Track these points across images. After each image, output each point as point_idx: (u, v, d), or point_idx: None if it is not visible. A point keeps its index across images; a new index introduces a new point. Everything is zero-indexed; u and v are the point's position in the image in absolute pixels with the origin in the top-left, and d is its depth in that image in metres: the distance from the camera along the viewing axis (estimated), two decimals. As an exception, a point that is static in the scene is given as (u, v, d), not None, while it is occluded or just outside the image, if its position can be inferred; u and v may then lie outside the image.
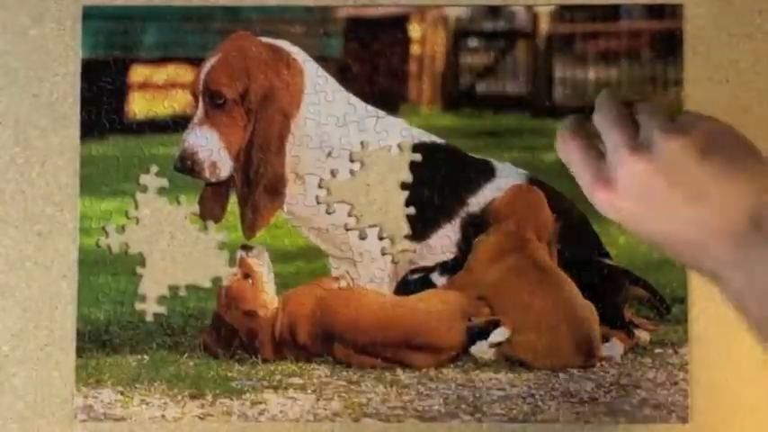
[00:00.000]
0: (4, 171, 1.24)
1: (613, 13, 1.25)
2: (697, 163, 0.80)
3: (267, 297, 1.23)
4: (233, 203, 1.24)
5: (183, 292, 1.23)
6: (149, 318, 1.23)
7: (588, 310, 1.21)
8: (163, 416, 1.20)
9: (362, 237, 1.23)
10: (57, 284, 1.22)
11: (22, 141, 1.24)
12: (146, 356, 1.22)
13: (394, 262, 1.24)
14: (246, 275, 1.23)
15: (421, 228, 1.23)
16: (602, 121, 0.86)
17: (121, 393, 1.21)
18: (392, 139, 1.24)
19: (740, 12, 1.23)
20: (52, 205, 1.23)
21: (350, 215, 1.23)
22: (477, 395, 1.19)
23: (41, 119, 1.24)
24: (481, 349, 1.21)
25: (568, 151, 0.89)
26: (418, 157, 1.23)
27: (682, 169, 0.80)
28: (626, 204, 0.83)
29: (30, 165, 1.24)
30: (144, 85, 1.25)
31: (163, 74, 1.26)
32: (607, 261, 1.23)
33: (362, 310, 1.22)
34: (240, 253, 1.24)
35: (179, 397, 1.21)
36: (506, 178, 1.25)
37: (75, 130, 1.24)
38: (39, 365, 1.22)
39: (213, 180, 1.24)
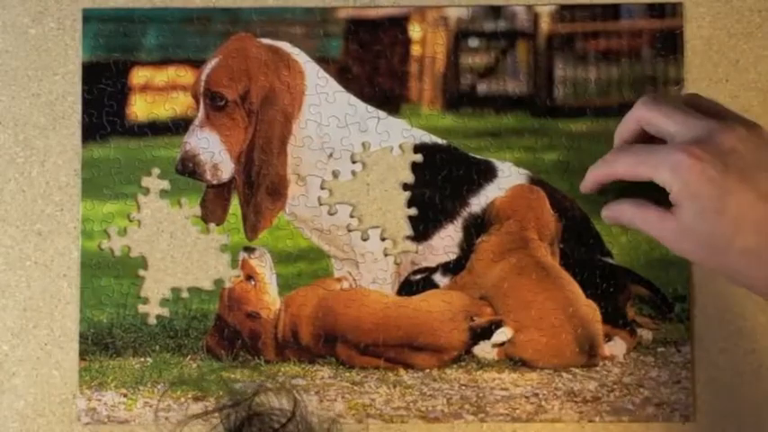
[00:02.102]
0: (4, 171, 1.24)
1: (613, 12, 1.25)
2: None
3: (269, 299, 1.24)
4: (235, 205, 1.24)
5: (185, 295, 1.23)
6: (152, 320, 1.23)
7: (591, 310, 1.21)
8: (166, 418, 1.20)
9: (364, 238, 1.23)
10: (57, 284, 1.23)
11: (21, 141, 1.24)
12: (149, 359, 1.22)
13: (396, 263, 1.24)
14: (249, 277, 1.23)
15: (423, 228, 1.24)
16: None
17: (125, 396, 1.21)
18: (393, 139, 1.24)
19: (740, 11, 1.23)
20: (52, 205, 1.23)
21: (352, 216, 1.23)
22: (481, 395, 1.20)
23: (41, 119, 1.24)
24: (484, 349, 1.22)
25: (622, 213, 0.89)
26: (419, 157, 1.23)
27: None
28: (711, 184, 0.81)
29: (30, 164, 1.24)
30: (145, 88, 1.25)
31: (163, 76, 1.26)
32: (609, 260, 1.23)
33: (365, 311, 1.22)
34: (242, 255, 1.24)
35: (182, 399, 1.21)
36: (508, 178, 1.25)
37: (75, 130, 1.24)
38: (39, 365, 1.22)
39: (215, 182, 1.24)
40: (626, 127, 0.90)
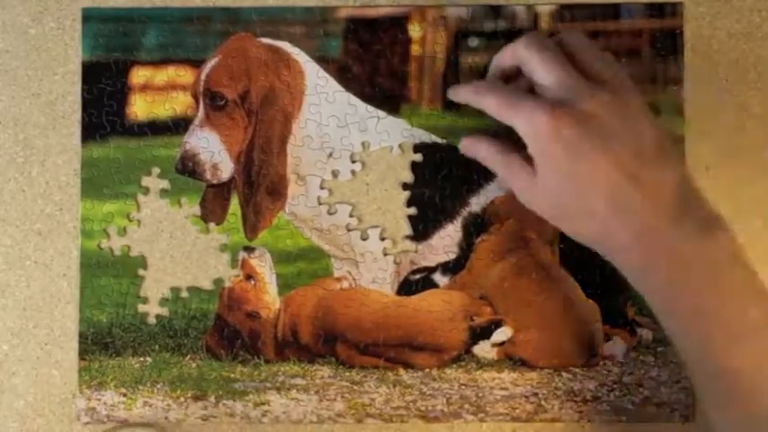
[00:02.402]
0: (4, 171, 1.24)
1: (613, 12, 1.25)
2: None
3: (269, 298, 1.24)
4: (234, 205, 1.24)
5: (184, 294, 1.23)
6: (151, 320, 1.23)
7: (590, 309, 1.21)
8: (166, 418, 1.20)
9: (364, 237, 1.23)
10: (57, 283, 1.23)
11: (21, 141, 1.24)
12: (148, 358, 1.22)
13: (396, 262, 1.24)
14: (249, 277, 1.23)
15: (422, 228, 1.24)
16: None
17: (124, 395, 1.21)
18: (393, 139, 1.24)
19: (740, 11, 1.23)
20: (52, 204, 1.23)
21: (351, 216, 1.23)
22: (480, 395, 1.20)
23: (41, 118, 1.24)
24: (484, 349, 1.22)
25: (479, 149, 0.90)
26: (419, 157, 1.23)
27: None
28: (571, 131, 0.82)
29: (30, 164, 1.24)
30: (145, 87, 1.25)
31: (163, 75, 1.26)
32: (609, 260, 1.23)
33: (364, 311, 1.22)
34: (242, 254, 1.24)
35: (182, 399, 1.21)
36: (508, 178, 1.25)
37: (75, 129, 1.24)
38: (39, 365, 1.22)
39: (214, 182, 1.24)
40: (504, 60, 0.92)
